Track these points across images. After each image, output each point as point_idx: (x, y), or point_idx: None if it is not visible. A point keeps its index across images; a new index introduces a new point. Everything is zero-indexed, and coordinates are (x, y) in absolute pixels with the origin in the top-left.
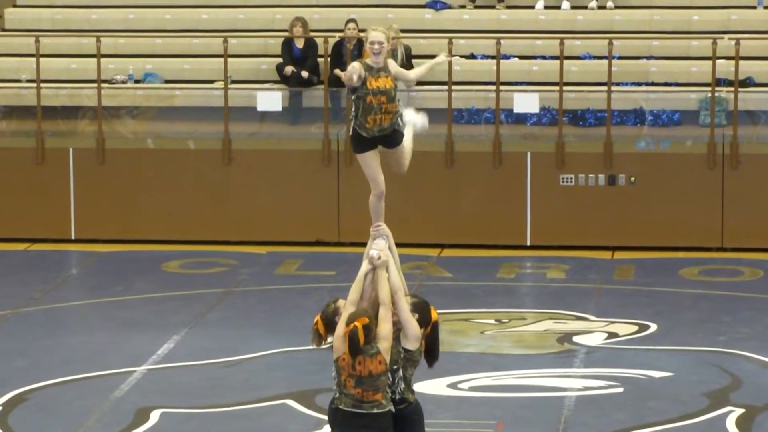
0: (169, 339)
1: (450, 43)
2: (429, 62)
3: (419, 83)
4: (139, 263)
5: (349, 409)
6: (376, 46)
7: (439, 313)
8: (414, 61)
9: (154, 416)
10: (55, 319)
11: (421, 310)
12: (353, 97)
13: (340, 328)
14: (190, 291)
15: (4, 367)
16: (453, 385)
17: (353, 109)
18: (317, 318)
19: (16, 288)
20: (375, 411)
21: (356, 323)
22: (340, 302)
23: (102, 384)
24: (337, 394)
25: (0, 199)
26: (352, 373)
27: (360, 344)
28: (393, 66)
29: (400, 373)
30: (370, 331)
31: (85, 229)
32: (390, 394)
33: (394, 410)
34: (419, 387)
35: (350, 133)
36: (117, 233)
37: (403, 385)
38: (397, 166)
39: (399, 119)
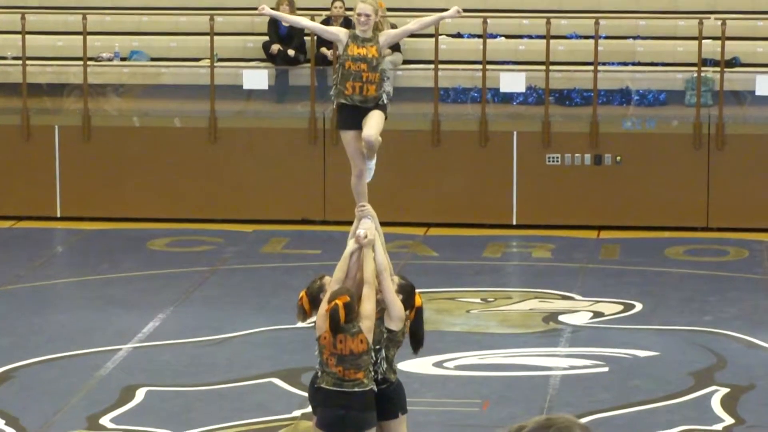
0: (155, 317)
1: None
2: (438, 14)
3: (405, 62)
4: (125, 241)
5: (331, 388)
6: (363, 18)
7: (424, 292)
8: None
9: (140, 394)
10: (41, 297)
11: (407, 292)
12: (337, 65)
13: (323, 306)
14: (176, 269)
15: None
16: (438, 364)
17: (334, 78)
18: (302, 293)
19: (1, 266)
20: (356, 390)
21: (337, 301)
22: (326, 279)
23: (87, 362)
24: (320, 373)
25: None
26: (334, 351)
27: (340, 322)
28: (384, 35)
29: (383, 353)
30: (351, 309)
31: (70, 207)
32: (373, 374)
33: (376, 389)
34: (405, 365)
35: (334, 107)
36: (103, 211)
37: (385, 365)
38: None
39: (384, 94)
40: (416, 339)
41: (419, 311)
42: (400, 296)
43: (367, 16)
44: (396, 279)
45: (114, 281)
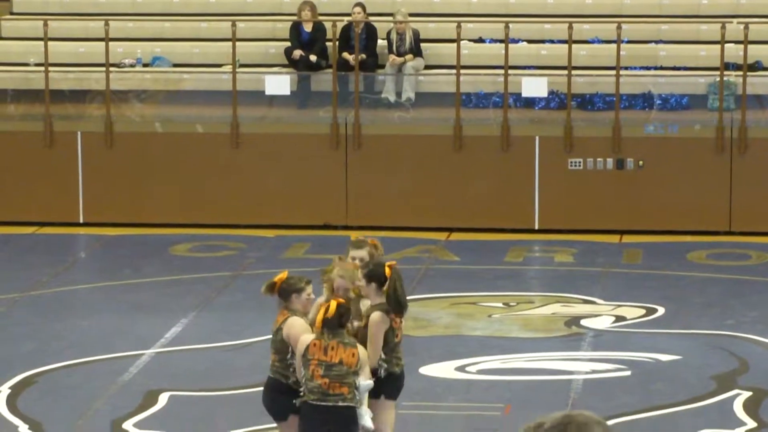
0: (177, 322)
1: (458, 26)
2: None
3: (427, 67)
4: (147, 247)
5: (315, 403)
6: (342, 292)
7: (446, 297)
8: (422, 45)
9: (162, 399)
10: (64, 303)
11: (377, 275)
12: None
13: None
14: (198, 274)
15: (13, 350)
16: (461, 369)
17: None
18: (284, 274)
19: (25, 271)
20: (340, 404)
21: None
22: (310, 288)
23: (110, 367)
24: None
25: (9, 183)
26: (323, 359)
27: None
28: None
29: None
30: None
31: (93, 213)
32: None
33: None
34: (427, 370)
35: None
36: (125, 217)
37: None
38: None
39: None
40: (391, 301)
41: (392, 279)
42: (373, 284)
43: (346, 290)
44: (360, 272)
45: (136, 287)
